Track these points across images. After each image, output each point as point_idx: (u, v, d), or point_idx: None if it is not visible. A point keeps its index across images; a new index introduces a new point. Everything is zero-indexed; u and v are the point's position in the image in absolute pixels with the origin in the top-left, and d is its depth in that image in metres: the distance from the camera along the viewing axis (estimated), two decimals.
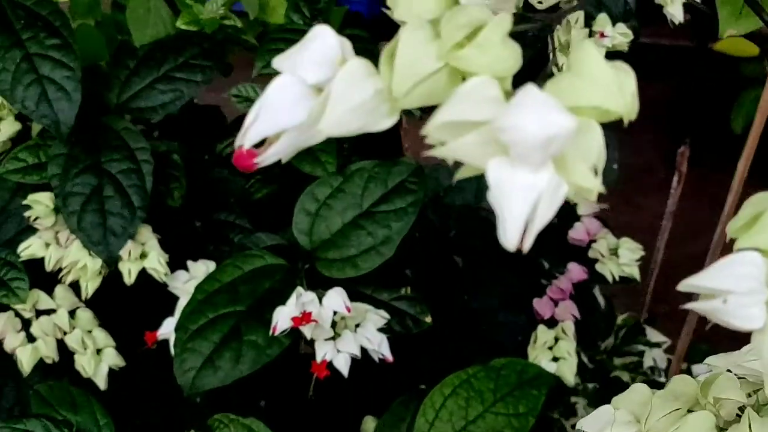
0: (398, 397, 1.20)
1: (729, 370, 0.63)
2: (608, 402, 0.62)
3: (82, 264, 1.10)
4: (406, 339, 1.18)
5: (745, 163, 1.12)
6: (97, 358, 1.12)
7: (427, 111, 0.41)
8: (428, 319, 1.14)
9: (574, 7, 0.46)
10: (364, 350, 1.09)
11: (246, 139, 0.43)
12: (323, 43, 0.43)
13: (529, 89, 0.38)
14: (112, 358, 1.13)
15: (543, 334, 1.25)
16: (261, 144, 0.43)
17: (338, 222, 1.12)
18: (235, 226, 1.24)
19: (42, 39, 1.11)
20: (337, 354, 1.08)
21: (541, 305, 1.28)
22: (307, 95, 0.43)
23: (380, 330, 1.11)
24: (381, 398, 1.22)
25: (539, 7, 0.52)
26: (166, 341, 1.11)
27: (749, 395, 0.63)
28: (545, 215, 0.38)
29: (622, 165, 1.42)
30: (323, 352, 1.08)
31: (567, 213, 1.34)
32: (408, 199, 1.12)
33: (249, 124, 0.43)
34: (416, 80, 0.41)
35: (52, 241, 1.12)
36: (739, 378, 0.62)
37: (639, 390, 0.60)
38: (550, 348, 1.25)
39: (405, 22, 0.42)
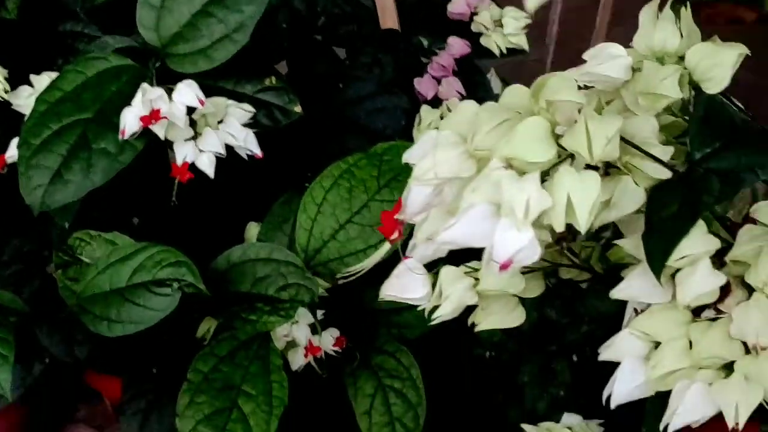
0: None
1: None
2: None
3: None
4: (285, 138, 1.10)
5: None
6: None
7: None
8: (297, 109, 1.05)
9: None
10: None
11: None
12: None
13: None
14: None
15: (427, 114, 1.17)
16: None
17: (185, 12, 1.02)
18: (83, 35, 1.14)
19: None
20: (199, 154, 1.00)
21: (423, 85, 1.20)
22: None
23: (246, 125, 1.02)
24: (266, 202, 1.14)
25: None
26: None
27: (608, 103, 0.56)
28: None
29: None
30: (183, 153, 0.99)
31: None
32: None
33: None
34: None
35: None
36: (587, 87, 0.55)
37: (466, 108, 0.53)
38: (437, 128, 1.17)
39: None
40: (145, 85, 0.96)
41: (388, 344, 1.07)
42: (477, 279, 0.56)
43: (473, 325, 0.60)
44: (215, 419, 0.98)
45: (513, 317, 0.58)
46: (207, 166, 1.00)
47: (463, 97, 1.19)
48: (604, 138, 0.47)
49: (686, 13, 0.56)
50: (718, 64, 0.53)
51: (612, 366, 0.58)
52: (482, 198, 0.47)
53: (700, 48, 0.54)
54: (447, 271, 0.56)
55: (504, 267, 0.46)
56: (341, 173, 1.05)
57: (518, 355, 1.13)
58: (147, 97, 0.95)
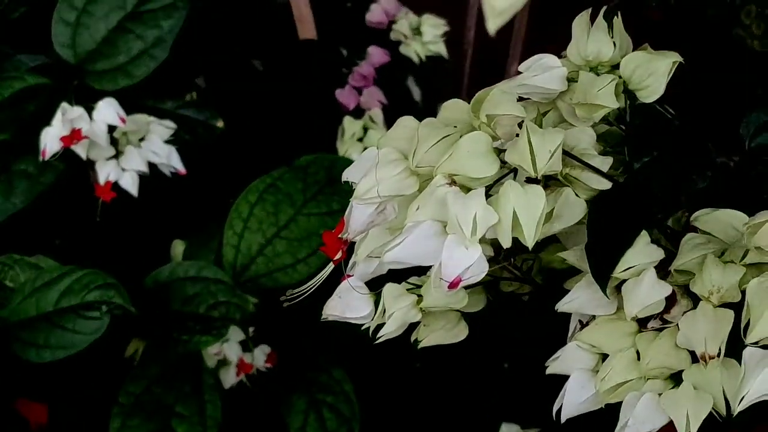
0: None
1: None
2: None
3: None
4: (207, 153, 1.09)
5: None
6: None
7: None
8: (219, 124, 1.04)
9: None
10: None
11: None
12: None
13: None
14: None
15: (350, 125, 1.17)
16: None
17: (102, 29, 1.00)
18: None
19: None
20: (122, 173, 0.98)
21: (345, 95, 1.19)
22: None
23: (168, 142, 1.01)
24: (191, 218, 1.13)
25: None
26: None
27: (544, 114, 0.56)
28: None
29: None
30: (106, 172, 0.98)
31: None
32: None
33: None
34: None
35: None
36: (524, 99, 0.55)
37: (405, 124, 0.52)
38: (360, 140, 1.17)
39: None
40: (65, 105, 0.94)
41: (320, 359, 1.06)
42: (420, 296, 0.55)
43: (409, 336, 0.60)
44: None
45: (455, 333, 0.58)
46: (130, 185, 0.98)
47: (384, 106, 1.19)
48: (547, 152, 0.47)
49: (618, 22, 0.56)
50: (653, 72, 0.54)
51: (547, 374, 0.58)
52: (427, 216, 0.47)
53: (634, 57, 0.54)
54: (390, 289, 0.55)
55: (453, 285, 0.46)
56: (266, 187, 1.04)
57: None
58: (67, 116, 0.93)
